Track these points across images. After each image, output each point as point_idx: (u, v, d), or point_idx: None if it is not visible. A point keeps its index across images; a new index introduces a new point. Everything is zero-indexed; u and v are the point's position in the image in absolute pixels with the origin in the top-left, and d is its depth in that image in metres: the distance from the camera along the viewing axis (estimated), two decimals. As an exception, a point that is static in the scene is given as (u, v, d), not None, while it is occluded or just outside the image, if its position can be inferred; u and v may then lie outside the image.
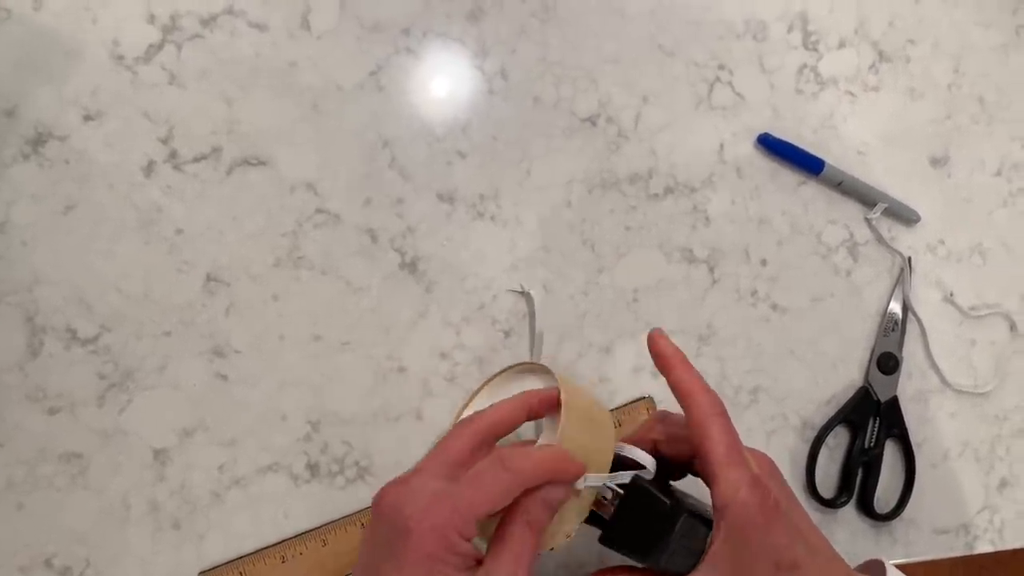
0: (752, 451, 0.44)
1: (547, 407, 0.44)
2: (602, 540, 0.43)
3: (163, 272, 0.53)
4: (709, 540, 0.41)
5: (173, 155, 0.53)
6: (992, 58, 0.67)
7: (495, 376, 0.52)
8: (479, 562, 0.38)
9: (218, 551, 0.52)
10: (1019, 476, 0.64)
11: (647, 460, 0.43)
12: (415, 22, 0.58)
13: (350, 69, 0.56)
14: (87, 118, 0.52)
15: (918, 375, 0.63)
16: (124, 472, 0.51)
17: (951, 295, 0.64)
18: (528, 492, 0.39)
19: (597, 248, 0.59)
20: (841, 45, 0.64)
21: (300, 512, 0.53)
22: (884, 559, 0.44)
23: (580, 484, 0.41)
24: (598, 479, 0.42)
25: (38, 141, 0.52)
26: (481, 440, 0.42)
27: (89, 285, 0.52)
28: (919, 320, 0.63)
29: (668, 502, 0.42)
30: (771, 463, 0.45)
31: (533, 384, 0.48)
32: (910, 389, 0.63)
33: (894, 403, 0.61)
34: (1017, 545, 0.63)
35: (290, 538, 0.52)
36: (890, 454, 0.62)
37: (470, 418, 0.43)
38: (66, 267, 0.51)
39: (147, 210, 0.53)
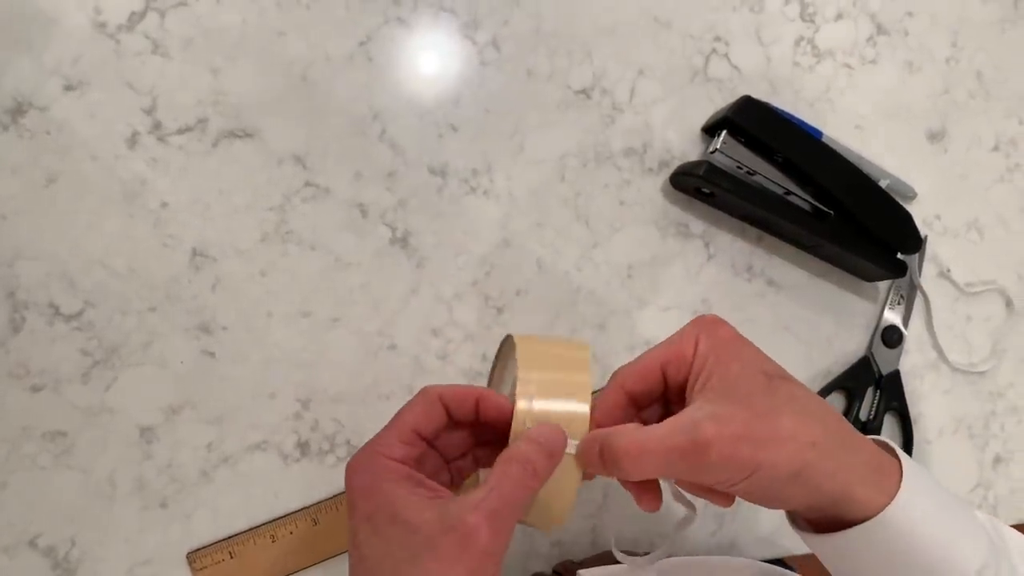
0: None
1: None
2: None
3: (148, 247, 0.51)
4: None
5: (157, 126, 0.52)
6: (990, 32, 0.66)
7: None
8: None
9: (207, 530, 0.51)
10: (1013, 453, 0.64)
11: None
12: (405, -9, 0.56)
13: (339, 39, 0.55)
14: (68, 88, 0.51)
15: (915, 350, 0.63)
16: (110, 450, 0.50)
17: (948, 271, 0.64)
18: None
19: (591, 223, 0.58)
20: (838, 17, 0.63)
21: (290, 491, 0.52)
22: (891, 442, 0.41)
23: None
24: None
25: (17, 111, 0.50)
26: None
27: (72, 260, 0.50)
28: (926, 296, 0.63)
29: None
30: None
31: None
32: (906, 364, 0.62)
33: (896, 377, 0.60)
34: (1011, 522, 0.63)
35: (280, 517, 0.52)
36: (888, 428, 0.61)
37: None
38: (48, 241, 0.50)
39: (131, 183, 0.51)
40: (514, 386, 0.39)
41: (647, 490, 0.40)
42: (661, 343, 0.40)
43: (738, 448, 0.34)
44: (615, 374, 0.41)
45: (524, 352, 0.40)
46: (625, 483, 0.40)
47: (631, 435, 0.36)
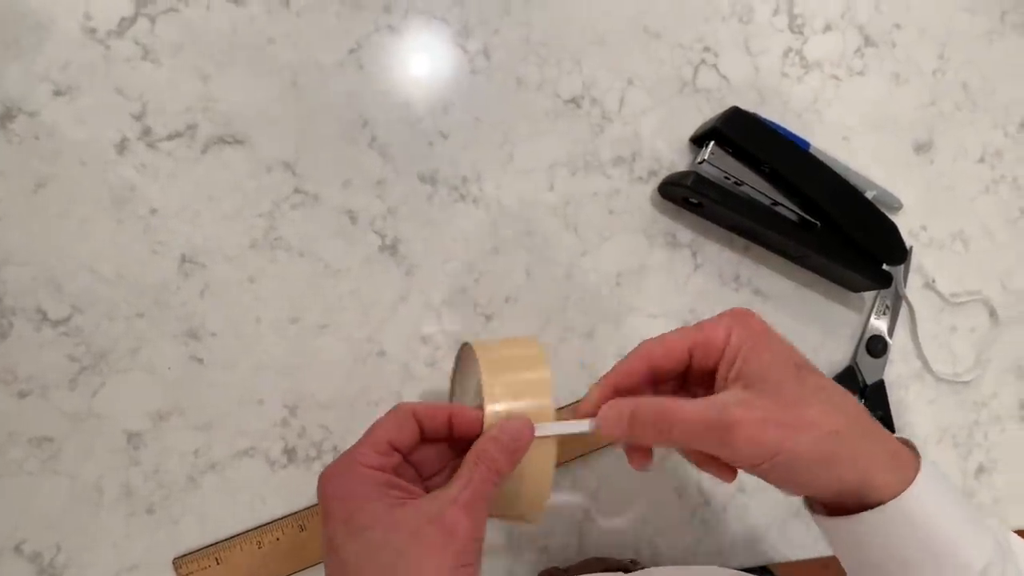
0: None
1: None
2: None
3: (137, 252, 0.51)
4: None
5: (147, 132, 0.52)
6: (977, 44, 0.67)
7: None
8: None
9: (193, 536, 0.51)
10: (997, 462, 0.65)
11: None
12: (396, -1, 0.56)
13: (330, 46, 0.55)
14: (57, 93, 0.51)
15: (900, 360, 0.63)
16: (97, 456, 0.50)
17: (933, 281, 0.64)
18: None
19: (580, 232, 0.58)
20: (827, 29, 0.64)
21: (277, 497, 0.52)
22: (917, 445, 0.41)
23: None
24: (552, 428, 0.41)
25: (7, 116, 0.50)
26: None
27: (60, 265, 0.50)
28: (911, 306, 0.63)
29: None
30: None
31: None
32: (891, 374, 0.63)
33: (880, 387, 0.61)
34: (993, 530, 0.64)
35: (266, 523, 0.52)
36: (870, 440, 0.62)
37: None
38: (36, 246, 0.50)
39: (120, 189, 0.51)
40: (479, 392, 0.41)
41: (638, 448, 0.43)
42: (690, 326, 0.42)
43: (764, 431, 0.36)
44: (640, 346, 0.43)
45: (484, 359, 0.42)
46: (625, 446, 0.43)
47: (665, 403, 0.39)
